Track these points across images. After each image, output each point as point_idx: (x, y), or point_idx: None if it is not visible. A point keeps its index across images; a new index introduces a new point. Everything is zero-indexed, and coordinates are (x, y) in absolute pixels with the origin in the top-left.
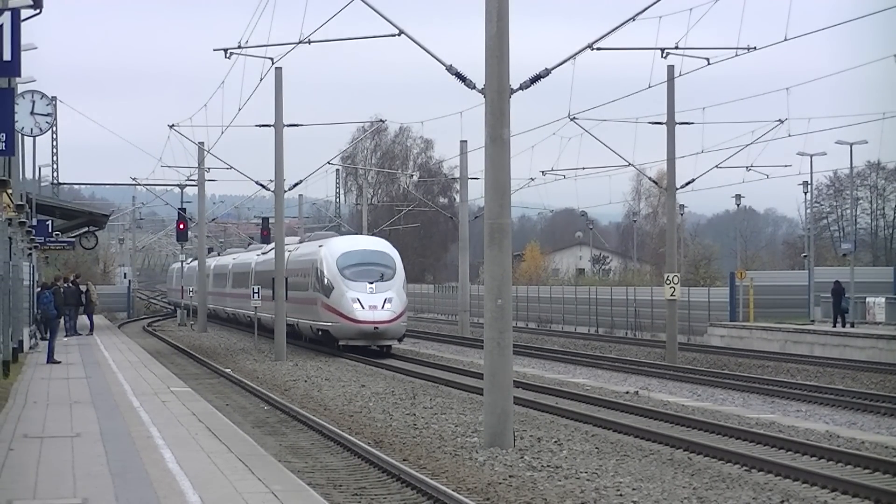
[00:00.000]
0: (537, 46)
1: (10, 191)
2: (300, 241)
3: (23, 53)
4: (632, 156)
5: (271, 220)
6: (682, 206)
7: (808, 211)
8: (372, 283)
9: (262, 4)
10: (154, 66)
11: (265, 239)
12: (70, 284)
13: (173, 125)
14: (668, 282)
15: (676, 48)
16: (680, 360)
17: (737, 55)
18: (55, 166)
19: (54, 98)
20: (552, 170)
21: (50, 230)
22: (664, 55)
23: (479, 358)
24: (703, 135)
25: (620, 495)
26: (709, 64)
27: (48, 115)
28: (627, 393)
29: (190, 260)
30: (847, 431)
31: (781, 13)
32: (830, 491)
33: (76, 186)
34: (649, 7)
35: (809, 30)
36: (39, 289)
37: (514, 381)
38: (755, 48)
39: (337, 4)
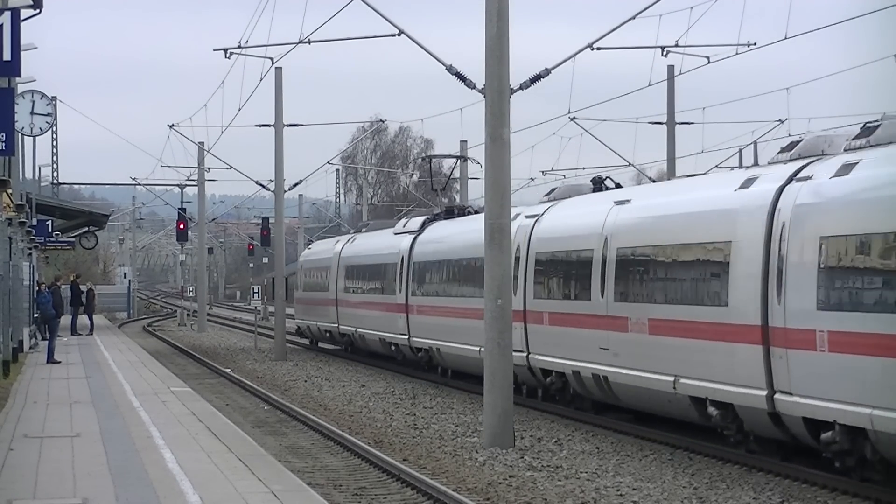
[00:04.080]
0: (537, 46)
1: (10, 191)
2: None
3: (23, 53)
4: (632, 156)
5: (271, 220)
6: None
7: None
8: None
9: (262, 4)
10: (154, 66)
11: (265, 240)
12: (70, 285)
13: (173, 125)
14: None
15: (677, 46)
16: None
17: (737, 53)
18: (55, 166)
19: (54, 98)
20: (552, 170)
21: (50, 230)
22: (664, 53)
23: None
24: (703, 135)
25: (620, 495)
26: (709, 62)
27: (48, 115)
28: None
29: (352, 233)
30: None
31: (782, 11)
32: (830, 491)
33: (76, 186)
34: (650, 6)
35: (809, 28)
36: (38, 289)
37: None
38: (755, 44)
39: (337, 4)
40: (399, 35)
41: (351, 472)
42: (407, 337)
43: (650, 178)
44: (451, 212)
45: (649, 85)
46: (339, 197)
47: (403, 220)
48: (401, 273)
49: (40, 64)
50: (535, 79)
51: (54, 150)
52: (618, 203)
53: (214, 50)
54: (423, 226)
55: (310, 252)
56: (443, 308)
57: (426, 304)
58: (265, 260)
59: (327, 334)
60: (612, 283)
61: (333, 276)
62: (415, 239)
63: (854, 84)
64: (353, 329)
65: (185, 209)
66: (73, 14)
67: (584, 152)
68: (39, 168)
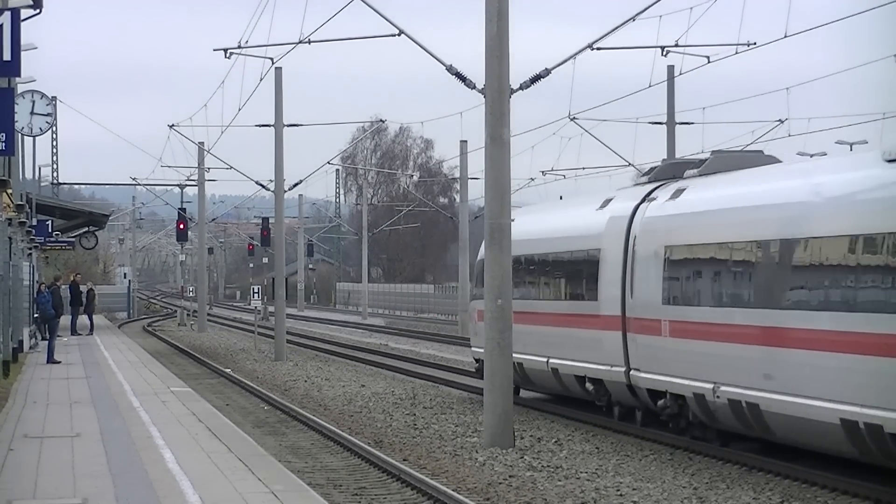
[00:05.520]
0: (537, 46)
1: (10, 191)
2: None
3: (23, 53)
4: (632, 156)
5: (271, 220)
6: None
7: None
8: None
9: (262, 4)
10: (154, 66)
11: (265, 240)
12: (69, 285)
13: (173, 125)
14: None
15: (677, 45)
16: None
17: (737, 52)
18: (55, 166)
19: (54, 98)
20: (552, 170)
21: (50, 230)
22: (664, 53)
23: None
24: (703, 135)
25: (620, 495)
26: (709, 62)
27: (48, 115)
28: None
29: (642, 181)
30: None
31: (781, 11)
32: (830, 491)
33: (76, 186)
34: (650, 7)
35: (809, 26)
36: (38, 289)
37: None
38: (755, 44)
39: (337, 4)
40: (399, 35)
41: (351, 472)
42: None
43: None
44: None
45: (650, 86)
46: (339, 197)
47: None
48: None
49: (40, 64)
50: (535, 79)
51: (54, 150)
52: None
53: (214, 50)
54: None
55: (520, 227)
56: None
57: None
58: (265, 260)
59: (587, 386)
60: None
61: (614, 270)
62: None
63: (854, 84)
64: (708, 387)
65: (185, 209)
66: (73, 14)
67: (584, 152)
68: (39, 168)
